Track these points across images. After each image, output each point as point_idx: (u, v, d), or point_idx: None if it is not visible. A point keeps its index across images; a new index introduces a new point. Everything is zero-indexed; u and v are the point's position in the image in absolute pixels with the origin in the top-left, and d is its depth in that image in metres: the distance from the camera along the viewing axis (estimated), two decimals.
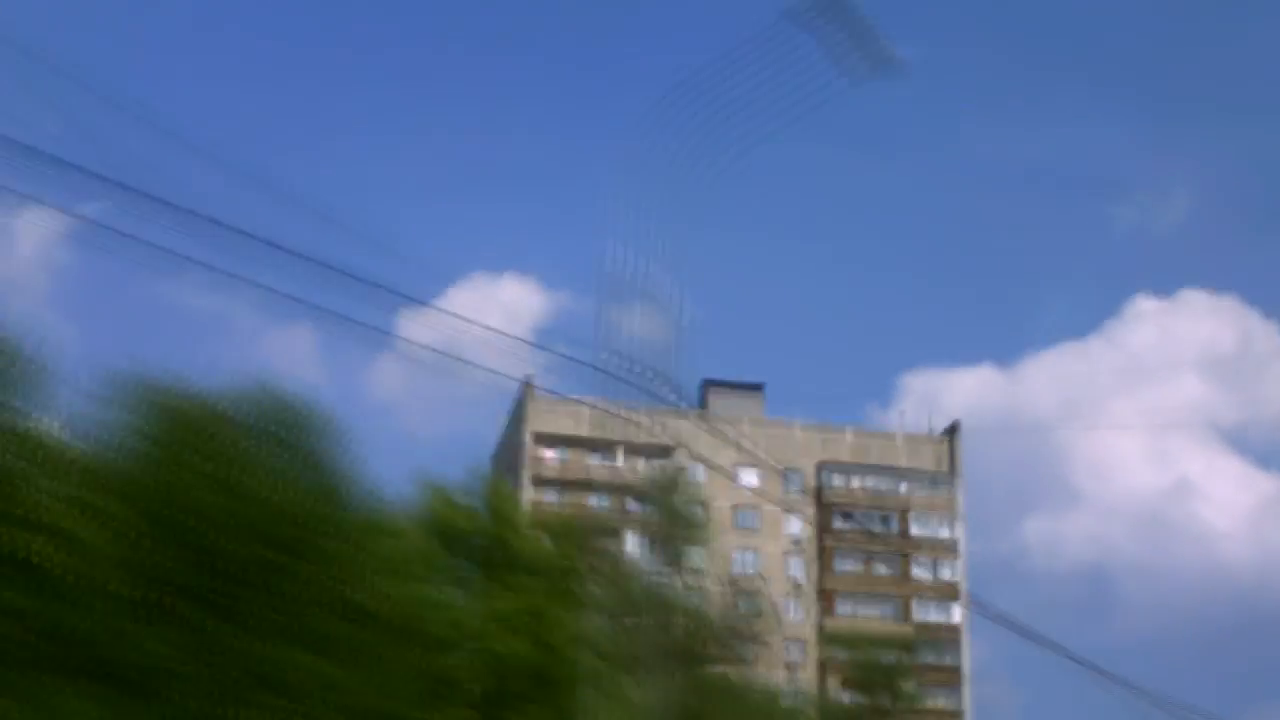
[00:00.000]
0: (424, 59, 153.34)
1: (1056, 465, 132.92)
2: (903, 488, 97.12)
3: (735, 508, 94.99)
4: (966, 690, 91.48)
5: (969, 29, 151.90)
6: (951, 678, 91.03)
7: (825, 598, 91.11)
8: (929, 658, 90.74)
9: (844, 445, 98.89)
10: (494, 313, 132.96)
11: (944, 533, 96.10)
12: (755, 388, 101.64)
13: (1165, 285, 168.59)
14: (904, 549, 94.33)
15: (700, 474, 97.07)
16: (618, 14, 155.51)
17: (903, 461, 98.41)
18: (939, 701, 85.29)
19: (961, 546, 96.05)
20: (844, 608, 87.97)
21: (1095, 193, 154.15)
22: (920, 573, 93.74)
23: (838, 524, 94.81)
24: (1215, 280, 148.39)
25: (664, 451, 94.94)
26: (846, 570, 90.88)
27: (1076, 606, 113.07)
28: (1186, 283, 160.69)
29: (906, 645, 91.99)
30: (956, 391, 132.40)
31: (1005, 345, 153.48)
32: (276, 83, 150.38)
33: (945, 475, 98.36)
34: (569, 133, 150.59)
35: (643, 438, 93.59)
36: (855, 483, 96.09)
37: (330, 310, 17.29)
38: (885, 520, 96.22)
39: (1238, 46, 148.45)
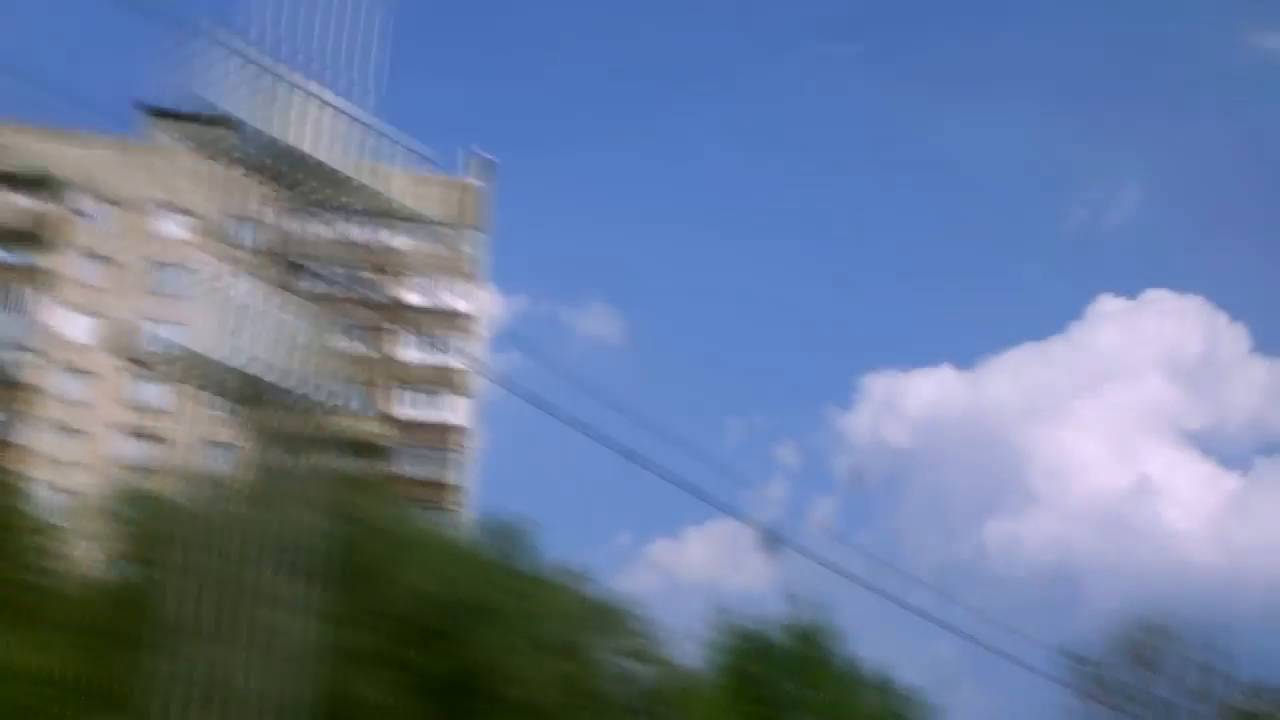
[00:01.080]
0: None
1: (1017, 467, 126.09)
2: (396, 240, 72.85)
3: (156, 264, 69.10)
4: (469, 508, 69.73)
5: (911, 25, 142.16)
6: (446, 495, 68.88)
7: None
8: (418, 468, 68.48)
9: None
10: None
11: (453, 302, 72.74)
12: (216, 121, 74.34)
13: (1120, 284, 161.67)
14: (389, 321, 70.68)
15: (112, 219, 71.18)
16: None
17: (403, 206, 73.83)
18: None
19: (480, 322, 73.27)
20: None
21: (1042, 189, 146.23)
22: (413, 354, 70.70)
23: (299, 284, 69.92)
24: (1168, 279, 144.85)
25: (45, 184, 67.45)
26: None
27: (1042, 607, 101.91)
28: (1141, 281, 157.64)
29: (376, 451, 69.30)
30: (917, 393, 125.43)
31: (964, 346, 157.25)
32: None
33: (460, 226, 74.65)
34: None
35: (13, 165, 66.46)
36: (328, 232, 70.70)
37: None
38: (368, 282, 71.94)
39: (1181, 41, 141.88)
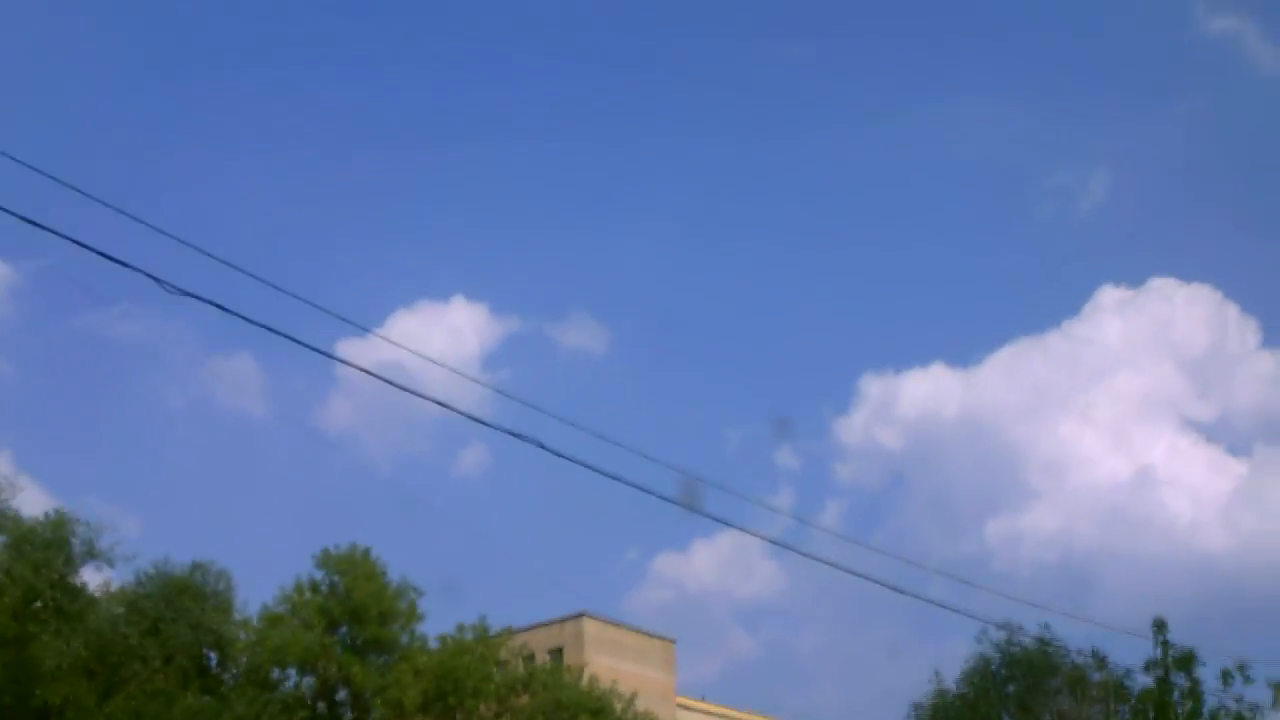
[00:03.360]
0: (362, 76, 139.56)
1: (1018, 463, 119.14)
2: None
3: None
4: None
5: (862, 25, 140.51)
6: None
7: None
8: None
9: None
10: (440, 339, 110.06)
11: None
12: None
13: (1109, 273, 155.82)
14: None
15: None
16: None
17: None
18: None
19: None
20: None
21: (1009, 181, 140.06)
22: None
23: None
24: (1163, 267, 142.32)
25: None
26: None
27: (1059, 598, 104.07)
28: (1133, 270, 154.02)
29: None
30: (913, 393, 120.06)
31: (957, 344, 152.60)
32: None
33: None
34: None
35: None
36: None
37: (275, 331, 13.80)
38: None
39: (1133, 24, 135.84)
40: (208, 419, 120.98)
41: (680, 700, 62.97)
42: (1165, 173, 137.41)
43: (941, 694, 37.43)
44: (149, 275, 13.34)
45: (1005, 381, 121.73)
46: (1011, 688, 37.25)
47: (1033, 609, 71.59)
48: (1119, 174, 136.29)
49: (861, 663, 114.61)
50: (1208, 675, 37.42)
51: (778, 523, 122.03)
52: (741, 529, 23.39)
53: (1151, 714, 37.81)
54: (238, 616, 41.41)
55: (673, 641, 65.61)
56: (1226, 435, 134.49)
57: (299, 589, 43.30)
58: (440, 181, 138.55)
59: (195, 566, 40.29)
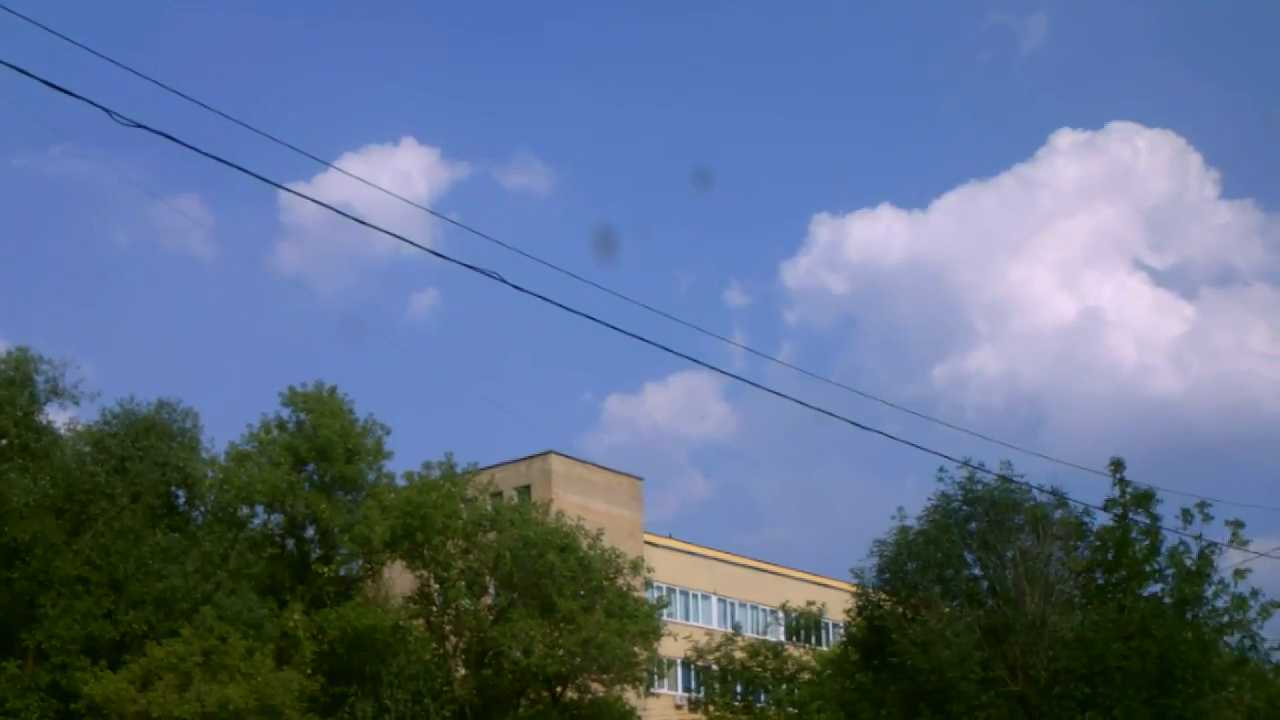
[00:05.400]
0: None
1: (965, 306, 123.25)
2: None
3: None
4: None
5: None
6: None
7: None
8: None
9: None
10: (388, 182, 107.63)
11: None
12: None
13: (1064, 115, 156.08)
14: None
15: None
16: None
17: None
18: None
19: None
20: None
21: (944, 23, 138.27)
22: None
23: None
24: (1117, 109, 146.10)
25: None
26: None
27: (1008, 440, 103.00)
28: (1083, 111, 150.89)
29: None
30: (862, 237, 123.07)
31: (905, 187, 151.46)
32: None
33: None
34: None
35: None
36: None
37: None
38: None
39: None
40: (156, 261, 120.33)
41: (648, 537, 63.65)
42: (1111, 15, 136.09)
43: (904, 531, 37.81)
44: (100, 106, 12.84)
45: (954, 224, 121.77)
46: (974, 525, 37.58)
47: (991, 447, 72.64)
48: (1056, 15, 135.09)
49: (817, 502, 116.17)
50: (1165, 515, 37.84)
51: (733, 362, 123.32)
52: (702, 364, 23.21)
53: (1111, 552, 38.37)
54: (205, 455, 41.39)
55: (640, 479, 66.11)
56: (1178, 284, 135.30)
57: (266, 427, 43.36)
58: (387, 23, 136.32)
59: (161, 405, 40.14)
